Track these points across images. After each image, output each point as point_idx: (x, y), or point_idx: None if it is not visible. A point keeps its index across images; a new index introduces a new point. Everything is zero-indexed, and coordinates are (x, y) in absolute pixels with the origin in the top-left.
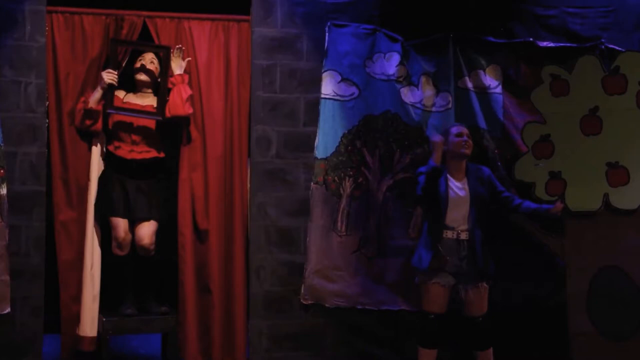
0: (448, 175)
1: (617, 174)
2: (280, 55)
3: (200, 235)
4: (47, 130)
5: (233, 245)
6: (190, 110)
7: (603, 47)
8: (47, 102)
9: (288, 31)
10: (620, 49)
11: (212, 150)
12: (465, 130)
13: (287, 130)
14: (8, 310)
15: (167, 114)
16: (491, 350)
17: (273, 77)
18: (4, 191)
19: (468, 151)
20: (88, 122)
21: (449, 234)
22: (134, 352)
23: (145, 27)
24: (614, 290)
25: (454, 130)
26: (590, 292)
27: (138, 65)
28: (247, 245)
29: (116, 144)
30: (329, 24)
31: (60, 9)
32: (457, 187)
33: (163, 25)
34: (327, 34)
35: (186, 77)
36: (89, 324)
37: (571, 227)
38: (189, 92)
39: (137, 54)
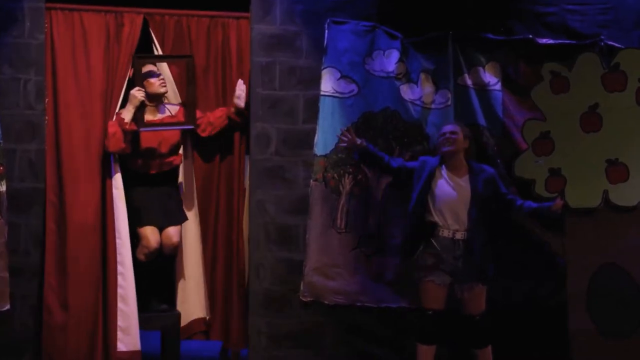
0: (446, 173)
1: (616, 171)
2: (280, 52)
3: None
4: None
5: (231, 244)
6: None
7: (603, 44)
8: (47, 100)
9: (287, 28)
10: (620, 46)
11: (210, 148)
12: (449, 129)
13: (287, 127)
14: (8, 307)
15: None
16: (490, 348)
17: (272, 75)
18: (4, 188)
19: (447, 148)
20: (124, 145)
21: (444, 233)
22: None
23: (145, 24)
24: (613, 289)
25: (442, 129)
26: (590, 290)
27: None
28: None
29: (142, 162)
30: (328, 21)
31: (59, 6)
32: (456, 185)
33: (162, 23)
34: (326, 31)
35: None
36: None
37: (571, 224)
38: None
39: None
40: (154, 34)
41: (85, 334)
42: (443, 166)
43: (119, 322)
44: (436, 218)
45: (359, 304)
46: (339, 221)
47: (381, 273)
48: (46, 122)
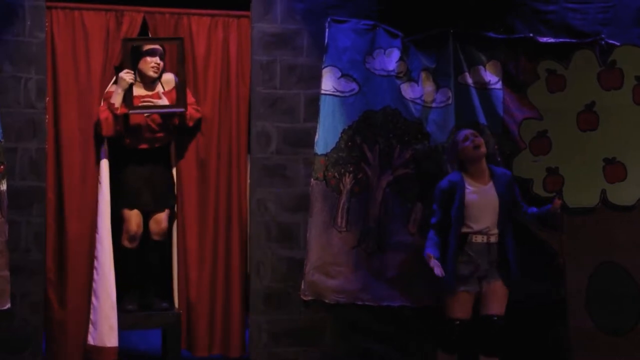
0: (470, 183)
1: (614, 170)
2: (280, 51)
3: (200, 232)
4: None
5: (231, 242)
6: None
7: (603, 42)
8: (47, 98)
9: (288, 27)
10: (618, 44)
11: (208, 146)
12: (468, 132)
13: (287, 126)
14: (8, 306)
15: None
16: None
17: (273, 73)
18: (4, 187)
19: (482, 149)
20: (119, 128)
21: (478, 239)
22: (134, 347)
23: (144, 22)
24: (612, 287)
25: (459, 137)
26: (589, 288)
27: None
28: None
29: (132, 138)
30: (329, 19)
31: (60, 4)
32: (484, 192)
33: (162, 21)
34: (327, 29)
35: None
36: (107, 334)
37: (570, 223)
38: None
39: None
40: (153, 33)
41: (84, 331)
42: (465, 178)
43: (91, 316)
44: (471, 226)
45: (359, 302)
46: (339, 219)
47: (382, 270)
48: (47, 120)
